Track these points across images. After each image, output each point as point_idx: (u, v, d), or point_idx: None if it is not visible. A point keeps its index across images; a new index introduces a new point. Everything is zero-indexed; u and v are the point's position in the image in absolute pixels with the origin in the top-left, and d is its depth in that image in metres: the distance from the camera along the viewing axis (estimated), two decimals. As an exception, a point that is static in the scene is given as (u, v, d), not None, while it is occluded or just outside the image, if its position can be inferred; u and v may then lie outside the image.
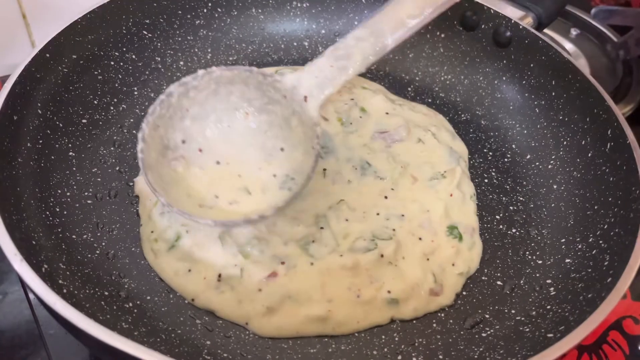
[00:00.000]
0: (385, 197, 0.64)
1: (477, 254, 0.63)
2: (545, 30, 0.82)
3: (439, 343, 0.55)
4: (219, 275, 0.56)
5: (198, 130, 0.60)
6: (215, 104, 0.60)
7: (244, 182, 0.59)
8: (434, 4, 0.62)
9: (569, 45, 1.02)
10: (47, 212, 0.57)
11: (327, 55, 0.60)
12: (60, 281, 0.51)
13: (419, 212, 0.63)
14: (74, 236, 0.58)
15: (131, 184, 0.66)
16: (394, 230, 0.61)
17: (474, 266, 0.62)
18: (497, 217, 0.67)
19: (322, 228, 0.60)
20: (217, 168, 0.60)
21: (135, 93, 0.74)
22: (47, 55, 0.64)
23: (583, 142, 0.67)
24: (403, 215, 0.63)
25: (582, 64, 0.99)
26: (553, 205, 0.66)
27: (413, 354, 0.55)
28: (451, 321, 0.57)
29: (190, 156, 0.59)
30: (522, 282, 0.60)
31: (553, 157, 0.70)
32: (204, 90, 0.59)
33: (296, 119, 0.60)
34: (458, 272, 0.60)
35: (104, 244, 0.60)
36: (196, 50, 0.80)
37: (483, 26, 0.78)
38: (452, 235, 0.62)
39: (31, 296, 0.62)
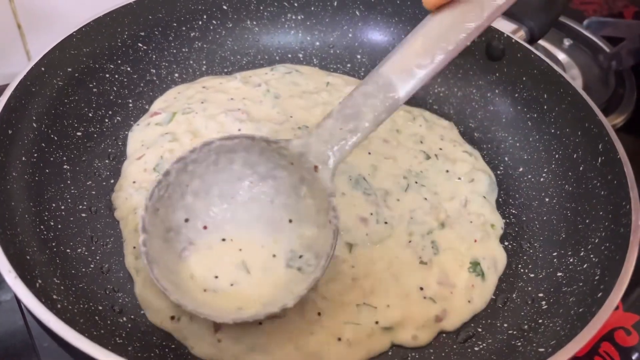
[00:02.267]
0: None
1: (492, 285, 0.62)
2: (539, 41, 0.82)
3: (432, 357, 0.56)
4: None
5: (201, 206, 0.57)
6: (216, 175, 0.56)
7: (243, 257, 0.56)
8: (444, 50, 0.54)
9: (562, 56, 1.03)
10: (42, 226, 0.57)
11: (334, 116, 0.54)
12: (54, 296, 0.51)
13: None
14: (68, 250, 0.58)
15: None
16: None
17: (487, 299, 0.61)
18: (490, 229, 0.67)
19: None
20: (223, 245, 0.57)
21: (130, 105, 0.74)
22: (43, 68, 0.64)
23: (575, 156, 0.67)
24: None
25: (575, 75, 1.00)
26: (545, 218, 0.67)
27: (406, 368, 0.55)
28: (444, 335, 0.58)
29: (195, 236, 0.56)
30: (514, 295, 0.61)
31: (545, 170, 0.70)
32: (203, 162, 0.55)
33: (305, 187, 0.56)
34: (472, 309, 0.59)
35: (98, 257, 0.60)
36: (191, 62, 0.81)
37: (476, 40, 0.78)
38: (475, 272, 0.62)
39: (24, 306, 0.62)
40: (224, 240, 0.57)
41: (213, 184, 0.57)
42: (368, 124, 0.54)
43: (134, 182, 0.65)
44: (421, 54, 0.54)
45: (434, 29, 0.55)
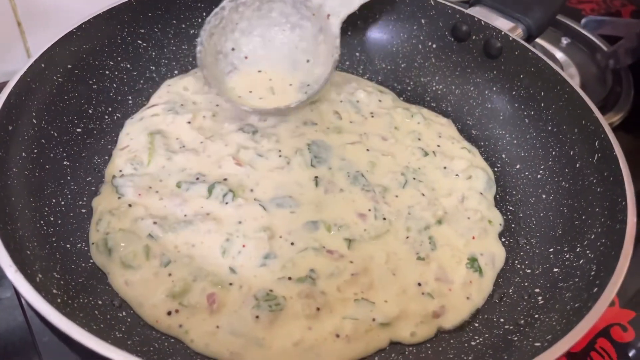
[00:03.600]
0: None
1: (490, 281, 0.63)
2: (536, 39, 0.83)
3: (429, 352, 0.56)
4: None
5: (245, 41, 0.75)
6: (259, 20, 0.74)
7: (271, 84, 0.75)
8: None
9: (559, 54, 1.04)
10: (42, 222, 0.58)
11: None
12: (54, 291, 0.51)
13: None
14: (68, 245, 0.59)
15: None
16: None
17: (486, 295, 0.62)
18: (487, 226, 0.68)
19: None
20: (258, 75, 0.75)
21: (130, 102, 0.74)
22: (42, 65, 0.64)
23: (571, 153, 0.68)
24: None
25: (573, 73, 1.00)
26: (542, 214, 0.67)
27: (403, 363, 0.55)
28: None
29: (238, 63, 0.75)
30: (510, 290, 0.61)
31: (542, 167, 0.71)
32: (250, 6, 0.73)
33: (322, 35, 0.73)
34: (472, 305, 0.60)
35: (98, 253, 0.60)
36: (190, 59, 0.81)
37: (474, 37, 0.79)
38: (473, 268, 0.62)
39: (24, 302, 0.62)
40: (259, 71, 0.76)
41: (257, 25, 0.75)
42: None
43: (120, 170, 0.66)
44: None
45: None
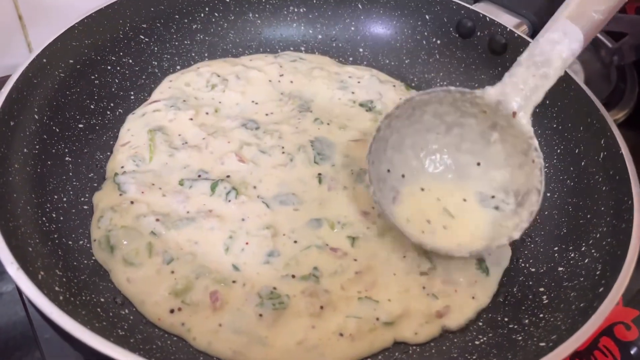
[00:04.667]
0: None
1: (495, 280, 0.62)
2: (541, 36, 0.82)
3: (433, 351, 0.56)
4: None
5: (398, 158, 0.63)
6: (409, 128, 0.63)
7: (444, 204, 0.63)
8: None
9: (563, 51, 1.03)
10: (44, 218, 0.57)
11: (524, 64, 0.58)
12: (56, 288, 0.51)
13: None
14: (70, 242, 0.58)
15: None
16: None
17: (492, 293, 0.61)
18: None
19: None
20: (423, 194, 0.63)
21: (132, 97, 0.74)
22: (44, 60, 0.64)
23: (576, 151, 0.67)
24: None
25: (577, 70, 0.99)
26: (546, 213, 0.67)
27: (407, 362, 0.55)
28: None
29: (397, 185, 0.63)
30: (515, 289, 0.61)
31: (547, 165, 0.69)
32: (401, 116, 0.61)
33: (497, 133, 0.61)
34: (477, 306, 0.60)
35: (100, 250, 0.59)
36: (193, 54, 0.80)
37: (479, 33, 0.78)
38: (481, 269, 0.62)
39: (26, 297, 0.62)
40: (422, 190, 0.63)
41: (406, 135, 0.63)
42: (558, 69, 0.58)
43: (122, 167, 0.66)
44: (598, 1, 0.58)
45: None
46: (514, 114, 0.58)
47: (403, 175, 0.63)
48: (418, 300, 0.58)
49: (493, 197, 0.62)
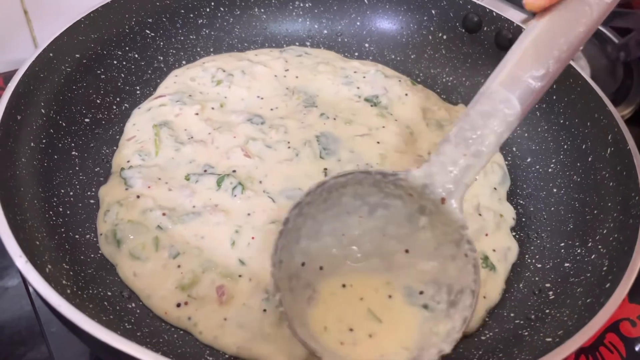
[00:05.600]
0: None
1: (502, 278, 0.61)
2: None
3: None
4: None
5: (315, 247, 0.54)
6: (326, 212, 0.54)
7: (368, 305, 0.54)
8: (557, 58, 0.51)
9: (569, 47, 1.02)
10: (51, 212, 0.58)
11: (453, 140, 0.51)
12: (64, 281, 0.51)
13: None
14: (77, 236, 0.58)
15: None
16: None
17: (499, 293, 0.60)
18: (497, 220, 0.67)
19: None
20: (345, 292, 0.54)
21: (138, 92, 0.74)
22: (51, 54, 0.64)
23: (583, 147, 0.67)
24: None
25: (583, 65, 0.99)
26: (553, 209, 0.67)
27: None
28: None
29: (314, 279, 0.54)
30: (521, 285, 0.61)
31: (553, 160, 0.70)
32: (315, 202, 0.53)
33: (426, 218, 0.53)
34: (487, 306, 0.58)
35: (106, 243, 0.60)
36: (198, 49, 0.80)
37: (485, 28, 0.78)
38: (488, 267, 0.61)
39: (32, 291, 0.63)
40: (344, 286, 0.54)
41: (323, 221, 0.54)
42: (491, 146, 0.50)
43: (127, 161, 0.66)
44: (534, 65, 0.51)
45: (542, 36, 0.51)
46: (443, 200, 0.51)
47: (321, 268, 0.54)
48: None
49: (422, 292, 0.53)
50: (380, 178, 0.53)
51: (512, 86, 0.50)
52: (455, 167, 0.50)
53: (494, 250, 0.62)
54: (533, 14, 0.54)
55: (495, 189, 0.69)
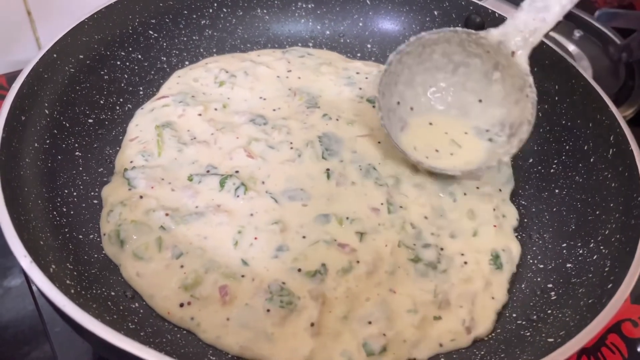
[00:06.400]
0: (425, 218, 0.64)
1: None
2: (549, 32, 0.82)
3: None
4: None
5: (409, 93, 0.69)
6: (420, 65, 0.68)
7: (452, 137, 0.69)
8: None
9: (572, 47, 1.03)
10: (54, 212, 0.58)
11: (526, 9, 0.63)
12: (68, 281, 0.51)
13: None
14: (80, 236, 0.59)
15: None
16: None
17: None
18: (500, 220, 0.67)
19: None
20: (431, 128, 0.69)
21: (141, 93, 0.74)
22: (55, 55, 0.64)
23: (585, 147, 0.67)
24: None
25: (585, 66, 0.99)
26: (555, 209, 0.67)
27: (415, 357, 0.55)
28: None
29: (406, 117, 0.69)
30: (523, 286, 0.61)
31: (555, 161, 0.70)
32: (412, 53, 0.67)
33: (499, 73, 0.67)
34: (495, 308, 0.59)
35: (110, 243, 0.60)
36: (201, 50, 0.81)
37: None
38: (495, 265, 0.61)
39: (35, 291, 0.63)
40: (430, 124, 0.70)
41: (417, 72, 0.69)
42: (556, 14, 0.62)
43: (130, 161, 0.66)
44: None
45: None
46: (513, 53, 0.63)
47: (412, 108, 0.69)
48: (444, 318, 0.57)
49: (487, 130, 0.68)
50: (465, 37, 0.65)
51: None
52: (525, 28, 0.63)
53: (503, 250, 0.62)
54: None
55: (500, 190, 0.69)
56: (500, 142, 0.67)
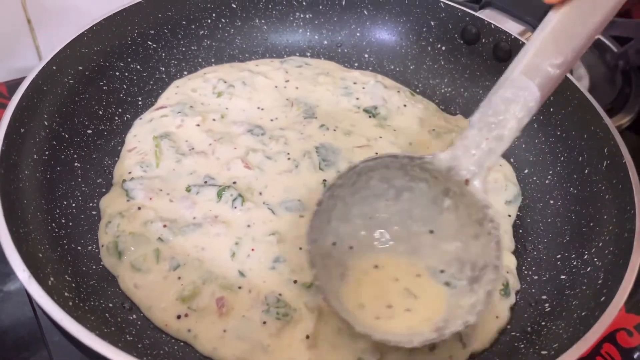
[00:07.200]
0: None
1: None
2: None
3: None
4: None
5: (344, 229, 0.58)
6: (354, 195, 0.58)
7: (405, 284, 0.56)
8: (575, 48, 0.54)
9: (568, 55, 1.03)
10: (53, 224, 0.58)
11: (477, 126, 0.54)
12: (66, 294, 0.52)
13: None
14: (79, 248, 0.59)
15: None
16: None
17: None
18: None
19: None
20: (376, 273, 0.57)
21: (140, 103, 0.75)
22: (54, 67, 0.65)
23: (580, 159, 0.67)
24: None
25: (582, 74, 0.99)
26: (549, 220, 0.67)
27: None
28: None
29: (345, 259, 0.57)
30: (517, 297, 0.61)
31: (550, 172, 0.71)
32: (345, 185, 0.57)
33: (450, 200, 0.56)
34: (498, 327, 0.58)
35: (108, 255, 0.60)
36: (200, 60, 0.81)
37: (484, 40, 0.79)
38: (505, 293, 0.60)
39: (36, 304, 0.63)
40: (376, 267, 0.57)
41: (353, 204, 0.58)
42: (513, 130, 0.53)
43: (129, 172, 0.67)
44: (553, 54, 0.54)
45: (561, 26, 0.55)
46: (467, 181, 0.53)
47: (351, 247, 0.58)
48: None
49: (442, 271, 0.56)
50: (407, 162, 0.56)
51: (532, 73, 0.53)
52: (478, 151, 0.53)
53: (507, 272, 0.62)
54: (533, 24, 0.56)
55: (509, 215, 0.69)
56: (460, 289, 0.55)
